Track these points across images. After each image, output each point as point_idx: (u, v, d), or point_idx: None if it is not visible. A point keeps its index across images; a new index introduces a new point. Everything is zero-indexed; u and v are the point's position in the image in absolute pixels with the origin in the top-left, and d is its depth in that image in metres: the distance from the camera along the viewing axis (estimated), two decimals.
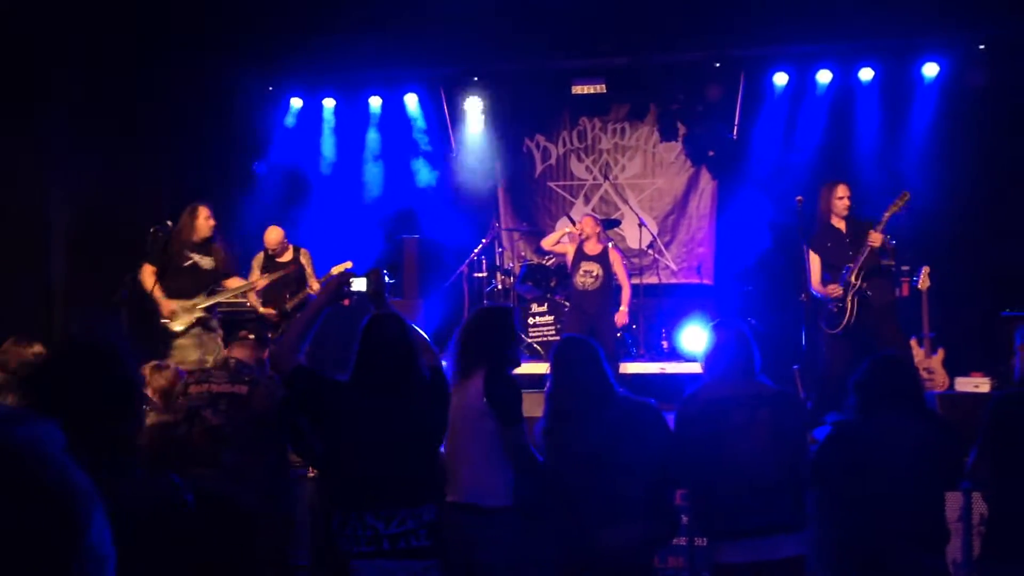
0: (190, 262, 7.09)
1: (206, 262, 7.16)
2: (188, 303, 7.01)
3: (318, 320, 3.37)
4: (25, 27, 7.87)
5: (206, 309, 7.07)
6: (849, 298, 6.49)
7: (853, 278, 6.50)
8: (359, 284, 3.48)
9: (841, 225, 6.74)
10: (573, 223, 8.41)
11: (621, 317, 7.89)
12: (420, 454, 3.25)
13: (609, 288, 7.90)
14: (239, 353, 4.15)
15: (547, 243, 8.52)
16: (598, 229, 8.05)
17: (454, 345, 3.86)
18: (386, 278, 7.20)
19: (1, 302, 7.61)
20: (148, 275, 7.03)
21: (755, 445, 3.57)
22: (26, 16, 7.77)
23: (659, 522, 3.73)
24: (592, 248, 7.95)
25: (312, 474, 5.06)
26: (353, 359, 3.30)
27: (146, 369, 5.02)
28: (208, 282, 7.14)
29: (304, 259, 8.06)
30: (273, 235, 8.06)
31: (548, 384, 3.86)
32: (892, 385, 3.63)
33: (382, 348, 3.25)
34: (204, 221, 7.15)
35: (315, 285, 7.85)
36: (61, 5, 7.90)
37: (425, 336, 3.56)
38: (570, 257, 8.09)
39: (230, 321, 7.43)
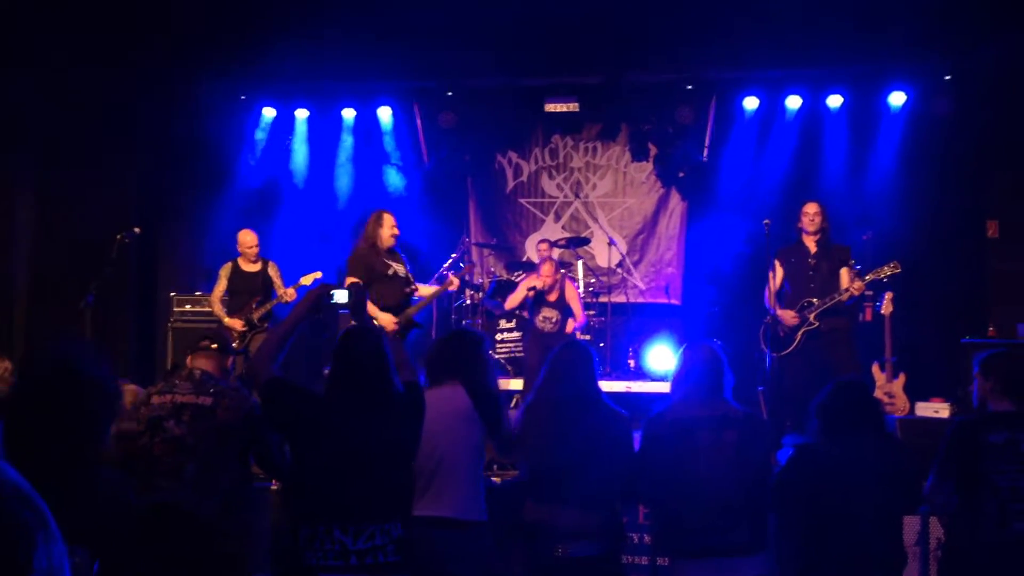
0: (391, 270, 6.89)
1: (401, 269, 6.97)
2: (397, 316, 6.78)
3: (295, 332, 3.35)
4: None
5: (405, 321, 6.84)
6: (800, 331, 6.64)
7: (812, 317, 6.63)
8: (340, 296, 3.46)
9: (811, 244, 6.87)
10: (534, 289, 8.02)
11: (568, 326, 7.81)
12: (392, 470, 3.23)
13: (567, 327, 7.91)
14: (203, 363, 4.10)
15: (511, 303, 8.21)
16: (558, 276, 7.95)
17: (432, 357, 3.95)
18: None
19: None
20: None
21: (720, 466, 3.61)
22: None
23: (607, 516, 3.83)
24: (552, 295, 7.90)
25: (275, 487, 5.02)
26: (329, 372, 3.30)
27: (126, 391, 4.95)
28: (404, 289, 6.93)
29: (272, 271, 8.08)
30: (249, 237, 8.00)
31: (540, 377, 4.02)
32: (854, 410, 3.69)
33: (358, 362, 3.24)
34: (391, 228, 6.94)
35: (286, 293, 7.82)
36: (27, 7, 7.82)
37: (404, 350, 3.55)
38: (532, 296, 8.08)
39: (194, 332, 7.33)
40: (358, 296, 3.42)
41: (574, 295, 7.97)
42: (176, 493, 3.83)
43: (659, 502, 3.87)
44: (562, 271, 8.07)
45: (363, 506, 3.10)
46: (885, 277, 6.61)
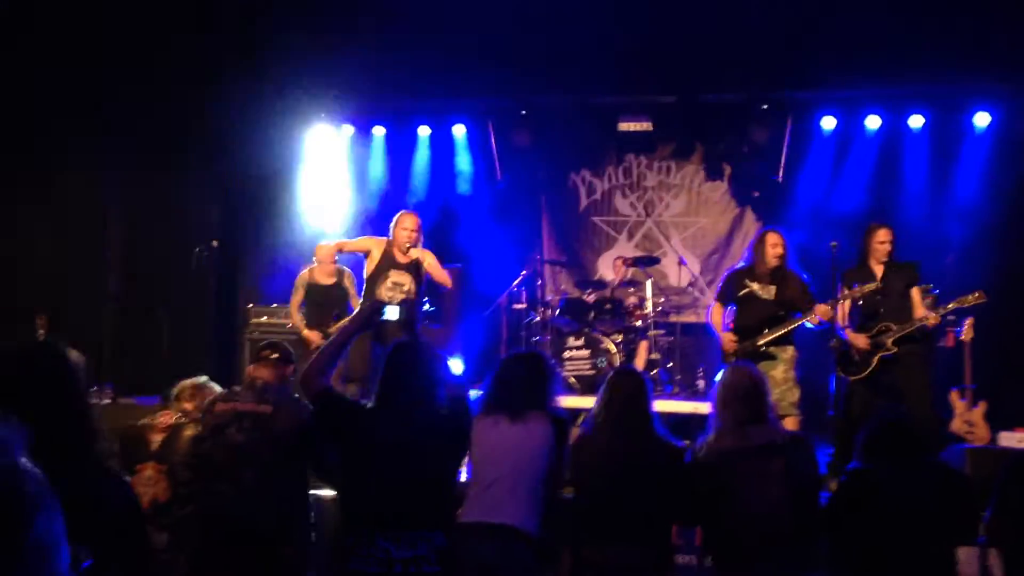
0: (746, 291, 6.64)
1: (770, 291, 6.61)
2: (748, 342, 6.60)
3: (347, 345, 3.44)
4: (88, 59, 8.15)
5: (766, 345, 6.57)
6: (876, 357, 6.43)
7: (890, 343, 6.40)
8: (392, 312, 3.54)
9: (878, 269, 6.66)
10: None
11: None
12: (435, 482, 3.30)
13: (421, 304, 6.56)
14: (262, 373, 4.22)
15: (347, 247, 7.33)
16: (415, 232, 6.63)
17: (515, 382, 3.94)
18: (427, 306, 7.12)
19: (61, 309, 7.81)
20: (716, 313, 6.89)
21: (768, 495, 3.59)
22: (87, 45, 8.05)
23: (655, 549, 3.80)
24: (403, 256, 6.62)
25: (333, 494, 5.12)
26: (377, 384, 3.38)
27: (188, 387, 5.12)
28: (768, 314, 6.59)
29: (347, 281, 7.99)
30: (324, 250, 8.04)
31: (597, 403, 4.04)
32: (891, 439, 3.61)
33: (403, 376, 3.32)
34: (773, 247, 6.59)
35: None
36: (121, 30, 8.16)
37: (453, 366, 3.61)
38: (373, 262, 6.77)
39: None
40: (409, 313, 3.50)
41: (435, 263, 6.55)
42: (235, 499, 3.95)
43: (711, 533, 3.85)
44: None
45: (407, 515, 3.17)
46: (968, 306, 6.39)
